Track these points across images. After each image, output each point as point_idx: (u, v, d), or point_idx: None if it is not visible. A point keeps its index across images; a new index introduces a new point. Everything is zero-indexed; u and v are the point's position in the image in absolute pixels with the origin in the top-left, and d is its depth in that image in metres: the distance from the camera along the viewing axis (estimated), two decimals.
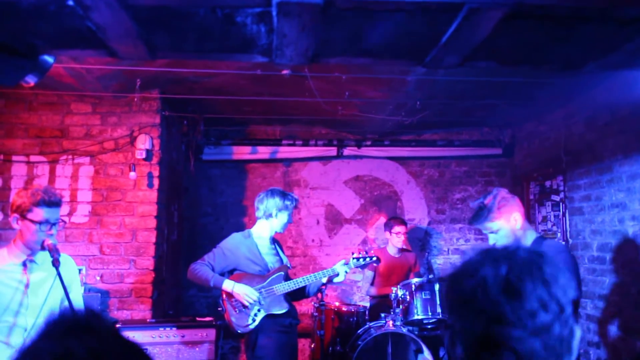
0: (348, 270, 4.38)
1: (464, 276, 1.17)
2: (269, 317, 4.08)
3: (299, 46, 2.44)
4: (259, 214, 4.27)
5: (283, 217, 4.25)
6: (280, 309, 4.11)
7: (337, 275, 4.33)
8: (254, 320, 4.05)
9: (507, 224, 3.07)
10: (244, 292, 4.04)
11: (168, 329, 4.53)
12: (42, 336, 0.94)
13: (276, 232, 4.31)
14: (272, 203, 4.22)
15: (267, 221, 4.25)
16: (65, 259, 2.94)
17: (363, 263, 4.49)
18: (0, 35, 2.46)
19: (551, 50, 2.57)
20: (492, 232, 3.11)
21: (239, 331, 4.06)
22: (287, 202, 4.25)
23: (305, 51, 2.51)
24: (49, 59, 2.81)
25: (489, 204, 3.07)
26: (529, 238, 3.12)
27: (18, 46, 2.58)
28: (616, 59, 2.64)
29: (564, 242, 5.71)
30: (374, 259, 4.55)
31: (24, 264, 2.82)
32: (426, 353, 5.03)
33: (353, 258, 4.47)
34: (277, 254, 4.36)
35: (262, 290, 4.09)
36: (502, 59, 2.64)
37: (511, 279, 1.10)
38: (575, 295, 1.16)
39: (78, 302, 3.03)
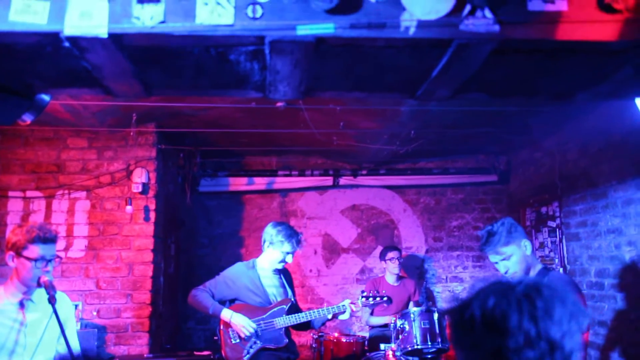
0: (354, 309, 4.30)
1: (462, 307, 1.18)
2: (266, 350, 4.04)
3: (292, 82, 2.48)
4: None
5: (273, 253, 4.14)
6: (278, 344, 4.07)
7: (343, 312, 4.25)
8: (248, 353, 4.00)
9: (519, 250, 3.02)
10: (241, 323, 4.00)
11: None
12: None
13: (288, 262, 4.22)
14: (267, 234, 4.18)
15: (264, 252, 4.23)
16: (60, 296, 2.92)
17: (372, 302, 4.42)
18: None
19: (540, 82, 2.61)
20: (504, 259, 3.03)
21: None
22: (280, 238, 4.10)
23: (298, 86, 2.55)
24: (46, 97, 2.84)
25: (500, 230, 3.02)
26: (536, 268, 3.08)
27: (15, 86, 2.61)
28: (606, 89, 2.67)
29: (561, 269, 5.70)
30: (385, 299, 4.49)
31: (21, 303, 2.80)
32: None
33: (362, 297, 4.39)
34: (283, 285, 4.30)
35: (262, 322, 4.05)
36: (492, 91, 2.68)
37: (496, 314, 1.10)
38: (580, 329, 1.14)
39: (73, 340, 3.00)
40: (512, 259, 3.01)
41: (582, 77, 2.56)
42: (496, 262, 3.09)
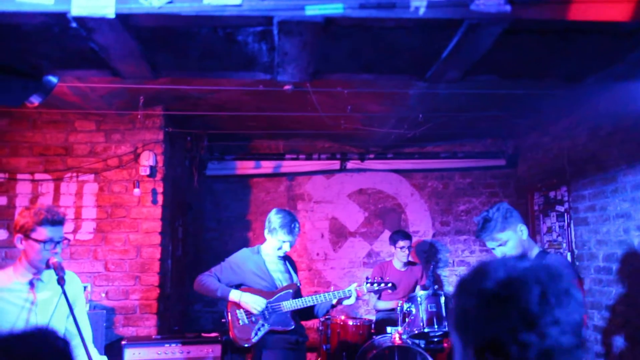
0: (359, 295, 4.29)
1: (467, 287, 1.18)
2: (274, 333, 4.06)
3: (300, 63, 2.46)
4: None
5: (271, 240, 4.14)
6: (286, 326, 4.09)
7: (349, 297, 4.25)
8: (256, 334, 4.02)
9: (515, 235, 3.04)
10: (252, 300, 4.02)
11: (173, 345, 4.52)
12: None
13: (287, 250, 4.20)
14: (267, 221, 4.18)
15: (266, 239, 4.23)
16: (70, 276, 2.95)
17: (377, 289, 4.43)
18: (5, 56, 2.49)
19: (552, 64, 2.58)
20: (500, 245, 3.06)
21: (241, 344, 4.04)
22: (274, 227, 4.08)
23: (306, 68, 2.53)
24: (53, 79, 2.84)
25: (495, 216, 3.03)
26: (533, 251, 3.11)
27: (22, 67, 2.61)
28: (618, 71, 2.64)
29: (568, 253, 5.69)
30: (389, 285, 4.50)
31: (31, 283, 2.83)
32: None
33: (367, 283, 4.40)
34: (288, 271, 4.31)
35: (269, 305, 4.07)
36: (502, 72, 2.65)
37: (501, 293, 1.11)
38: (579, 313, 1.15)
39: (83, 319, 3.04)
40: (508, 244, 3.03)
41: (593, 58, 2.53)
42: (493, 248, 3.11)
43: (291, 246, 4.20)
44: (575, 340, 1.10)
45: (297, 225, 4.17)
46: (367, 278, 4.51)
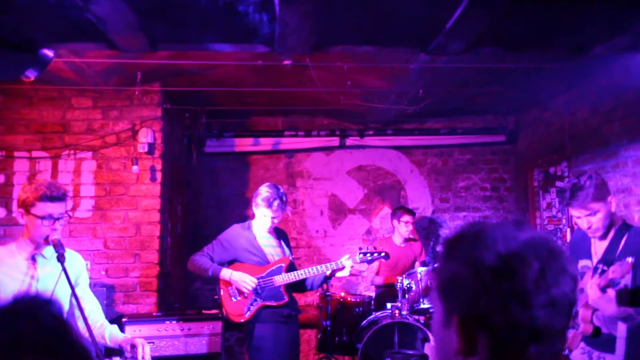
0: (353, 265, 4.31)
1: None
2: (266, 307, 4.08)
3: (302, 35, 2.42)
4: None
5: (258, 214, 4.12)
6: (278, 300, 4.10)
7: (342, 269, 4.26)
8: (249, 310, 4.05)
9: (605, 206, 2.87)
10: (241, 279, 4.03)
11: (174, 322, 4.53)
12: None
13: (272, 225, 4.17)
14: (254, 195, 4.15)
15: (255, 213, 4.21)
16: (71, 254, 2.95)
17: (370, 258, 4.44)
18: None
19: (558, 34, 2.54)
20: (589, 215, 2.87)
21: (235, 320, 4.06)
22: (258, 201, 4.06)
23: (307, 40, 2.49)
24: (49, 52, 2.78)
25: (588, 184, 2.86)
26: (617, 224, 2.94)
27: (17, 40, 2.55)
28: (624, 42, 2.60)
29: (568, 229, 5.69)
30: (382, 254, 4.50)
31: (33, 258, 2.83)
32: (433, 341, 5.00)
33: (360, 253, 4.41)
34: (280, 245, 4.31)
35: (261, 280, 4.07)
36: (508, 44, 2.61)
37: (497, 267, 1.03)
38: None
39: (88, 296, 3.05)
40: (598, 215, 2.87)
41: (600, 28, 2.49)
42: (579, 217, 2.94)
43: (277, 221, 4.14)
44: (566, 322, 1.05)
45: (278, 202, 4.06)
46: (359, 248, 4.51)
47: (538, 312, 1.01)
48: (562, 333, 1.05)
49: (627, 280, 2.75)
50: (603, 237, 2.93)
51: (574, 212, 2.97)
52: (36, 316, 1.01)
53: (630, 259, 2.64)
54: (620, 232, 2.90)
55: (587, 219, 2.89)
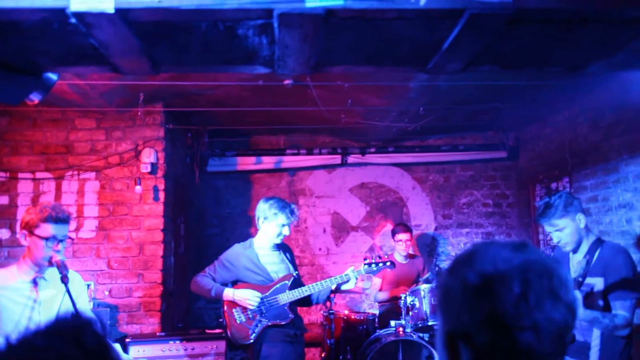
0: (358, 277, 4.28)
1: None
2: (272, 327, 4.04)
3: (301, 56, 2.44)
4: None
5: (269, 227, 4.09)
6: (284, 319, 4.07)
7: (348, 281, 4.24)
8: (254, 332, 4.00)
9: (573, 223, 3.16)
10: (244, 296, 3.99)
11: (177, 342, 4.53)
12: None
13: (282, 235, 4.15)
14: (259, 211, 4.13)
15: (260, 229, 4.19)
16: (72, 275, 2.94)
17: (375, 269, 4.41)
18: (4, 53, 2.47)
19: (554, 53, 2.56)
20: (557, 230, 3.18)
21: (240, 343, 4.02)
22: (273, 212, 4.04)
23: (307, 61, 2.51)
24: (53, 76, 2.82)
25: (557, 203, 3.16)
26: (589, 239, 3.21)
27: (21, 64, 2.59)
28: (621, 59, 2.62)
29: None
30: (388, 263, 4.48)
31: (34, 282, 2.83)
32: (437, 359, 4.98)
33: (365, 264, 4.39)
34: (284, 261, 4.26)
35: (265, 300, 4.04)
36: (505, 63, 2.63)
37: (478, 286, 1.06)
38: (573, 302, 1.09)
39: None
40: (565, 230, 3.16)
41: (596, 47, 2.51)
42: (549, 232, 3.26)
43: (288, 231, 4.15)
44: (555, 347, 1.03)
45: (289, 209, 4.11)
46: (364, 259, 4.48)
47: (519, 335, 1.01)
48: (552, 358, 1.04)
49: (599, 287, 3.04)
50: (575, 250, 3.22)
51: (545, 228, 3.30)
52: (78, 337, 1.02)
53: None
54: (594, 247, 3.17)
55: (556, 234, 3.21)
